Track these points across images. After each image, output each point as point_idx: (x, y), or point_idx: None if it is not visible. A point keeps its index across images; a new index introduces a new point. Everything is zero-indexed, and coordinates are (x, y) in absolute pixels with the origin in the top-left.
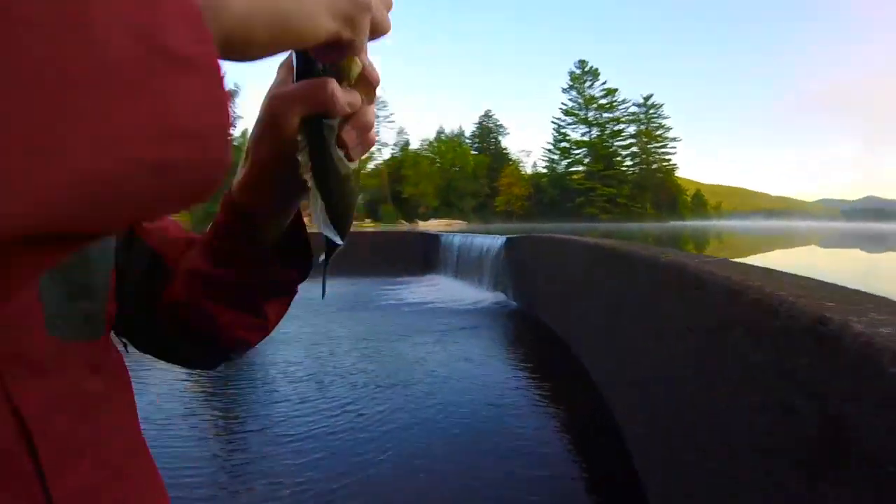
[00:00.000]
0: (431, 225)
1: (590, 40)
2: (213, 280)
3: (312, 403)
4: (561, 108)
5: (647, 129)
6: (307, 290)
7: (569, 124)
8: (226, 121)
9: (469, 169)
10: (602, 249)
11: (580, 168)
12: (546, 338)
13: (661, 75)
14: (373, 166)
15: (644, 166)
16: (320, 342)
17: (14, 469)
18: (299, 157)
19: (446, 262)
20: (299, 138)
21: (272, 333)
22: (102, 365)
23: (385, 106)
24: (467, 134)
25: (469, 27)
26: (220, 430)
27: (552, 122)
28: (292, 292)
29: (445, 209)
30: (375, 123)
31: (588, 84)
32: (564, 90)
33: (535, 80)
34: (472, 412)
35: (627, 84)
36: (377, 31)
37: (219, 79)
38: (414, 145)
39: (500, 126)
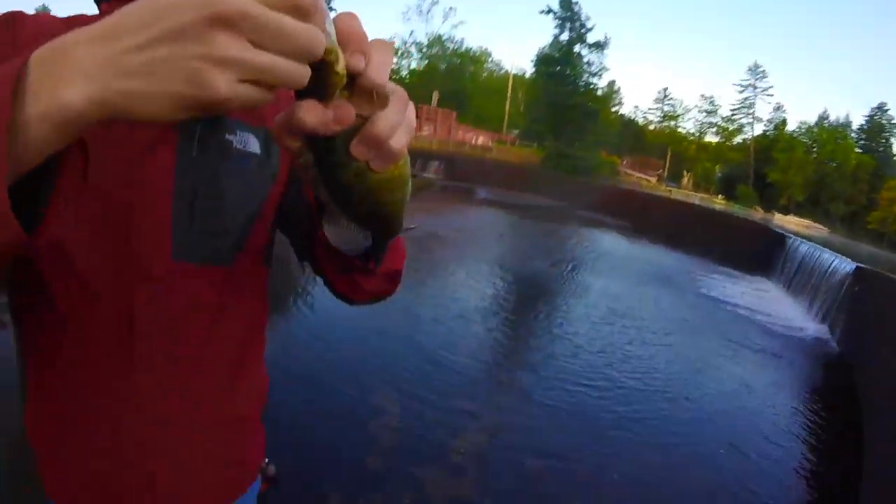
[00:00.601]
0: (787, 221)
1: None
2: (318, 240)
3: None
4: None
5: None
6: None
7: None
8: None
9: (848, 169)
10: None
11: None
12: (853, 411)
13: None
14: (740, 140)
15: None
16: (612, 299)
17: (115, 338)
18: (312, 176)
19: (783, 269)
20: (305, 158)
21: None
22: (227, 283)
23: (763, 77)
24: (854, 126)
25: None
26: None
27: None
28: (369, 271)
29: (810, 208)
30: (402, 128)
31: None
32: None
33: None
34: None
35: None
36: (282, 82)
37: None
38: (791, 126)
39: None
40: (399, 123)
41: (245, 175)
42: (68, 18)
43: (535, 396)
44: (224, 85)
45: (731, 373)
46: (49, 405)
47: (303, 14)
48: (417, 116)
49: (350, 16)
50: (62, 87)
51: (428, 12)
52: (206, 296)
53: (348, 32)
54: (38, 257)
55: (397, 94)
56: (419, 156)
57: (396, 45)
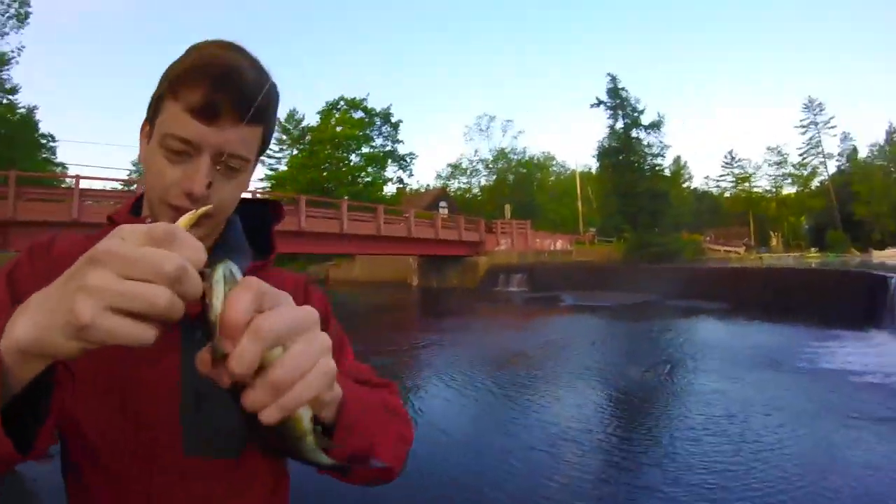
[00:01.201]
0: (887, 256)
1: None
2: None
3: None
4: None
5: None
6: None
7: None
8: None
9: None
10: None
11: None
12: None
13: None
14: (817, 183)
15: None
16: (713, 401)
17: None
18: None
19: (893, 315)
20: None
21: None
22: (237, 472)
23: (821, 110)
24: None
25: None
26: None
27: None
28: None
29: None
30: (299, 372)
31: None
32: None
33: None
34: None
35: None
36: (152, 315)
37: None
38: (862, 153)
39: None
40: (267, 403)
41: None
42: (90, 235)
43: None
44: (88, 310)
45: (856, 460)
46: None
47: (158, 242)
48: (493, 231)
49: (238, 294)
50: (14, 328)
51: (487, 128)
52: (218, 486)
53: (224, 317)
54: (64, 440)
55: (278, 371)
56: (501, 271)
57: (464, 166)
